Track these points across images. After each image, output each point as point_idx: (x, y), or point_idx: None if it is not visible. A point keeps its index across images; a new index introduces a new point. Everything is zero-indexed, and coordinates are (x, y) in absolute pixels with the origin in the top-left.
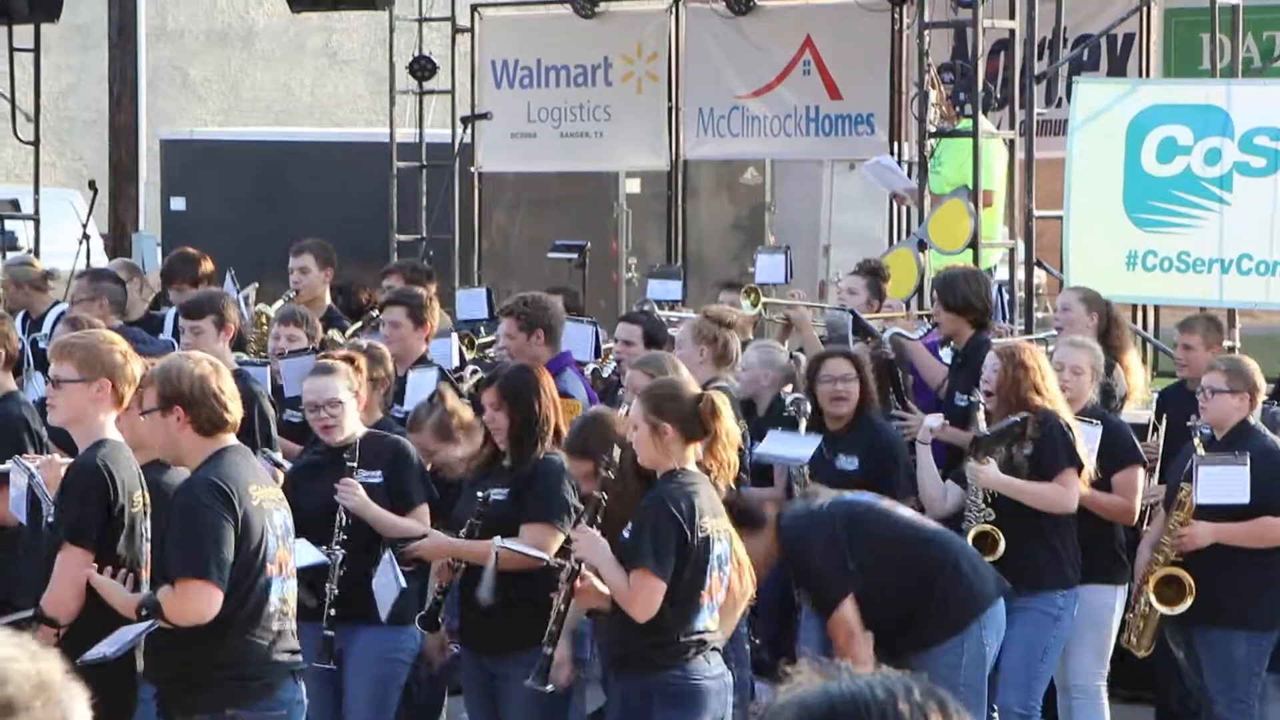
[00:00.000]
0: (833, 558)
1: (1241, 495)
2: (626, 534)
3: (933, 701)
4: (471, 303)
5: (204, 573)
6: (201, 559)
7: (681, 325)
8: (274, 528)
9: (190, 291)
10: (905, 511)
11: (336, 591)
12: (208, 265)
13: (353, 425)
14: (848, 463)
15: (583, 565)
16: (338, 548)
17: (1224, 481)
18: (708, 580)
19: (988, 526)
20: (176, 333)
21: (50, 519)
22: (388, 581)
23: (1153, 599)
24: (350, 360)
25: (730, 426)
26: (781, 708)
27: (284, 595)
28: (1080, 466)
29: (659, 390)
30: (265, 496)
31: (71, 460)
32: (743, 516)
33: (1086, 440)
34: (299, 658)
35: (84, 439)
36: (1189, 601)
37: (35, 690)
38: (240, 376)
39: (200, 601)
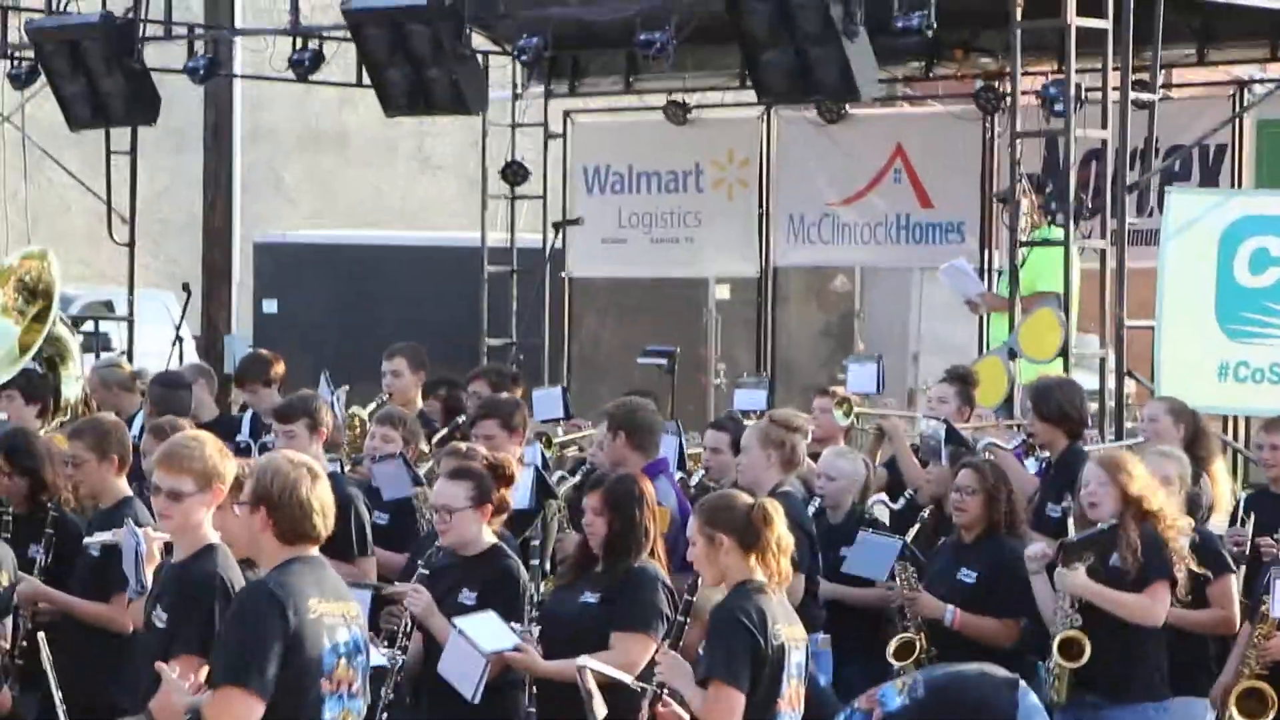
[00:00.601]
0: None
1: None
2: (704, 649)
3: None
4: (547, 402)
5: (244, 680)
6: (243, 666)
7: (746, 430)
8: (336, 644)
9: (264, 393)
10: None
11: (391, 696)
12: (279, 367)
13: (470, 533)
14: (967, 575)
15: (665, 690)
16: (398, 652)
17: None
18: (784, 689)
19: (1074, 632)
20: (253, 434)
21: (159, 623)
22: (457, 660)
23: (1234, 713)
24: (496, 469)
25: (783, 534)
26: None
27: (341, 714)
28: (1174, 581)
29: (713, 502)
30: (330, 611)
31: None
32: None
33: None
34: None
35: (191, 544)
36: (1271, 716)
37: None
38: (335, 481)
39: (237, 709)
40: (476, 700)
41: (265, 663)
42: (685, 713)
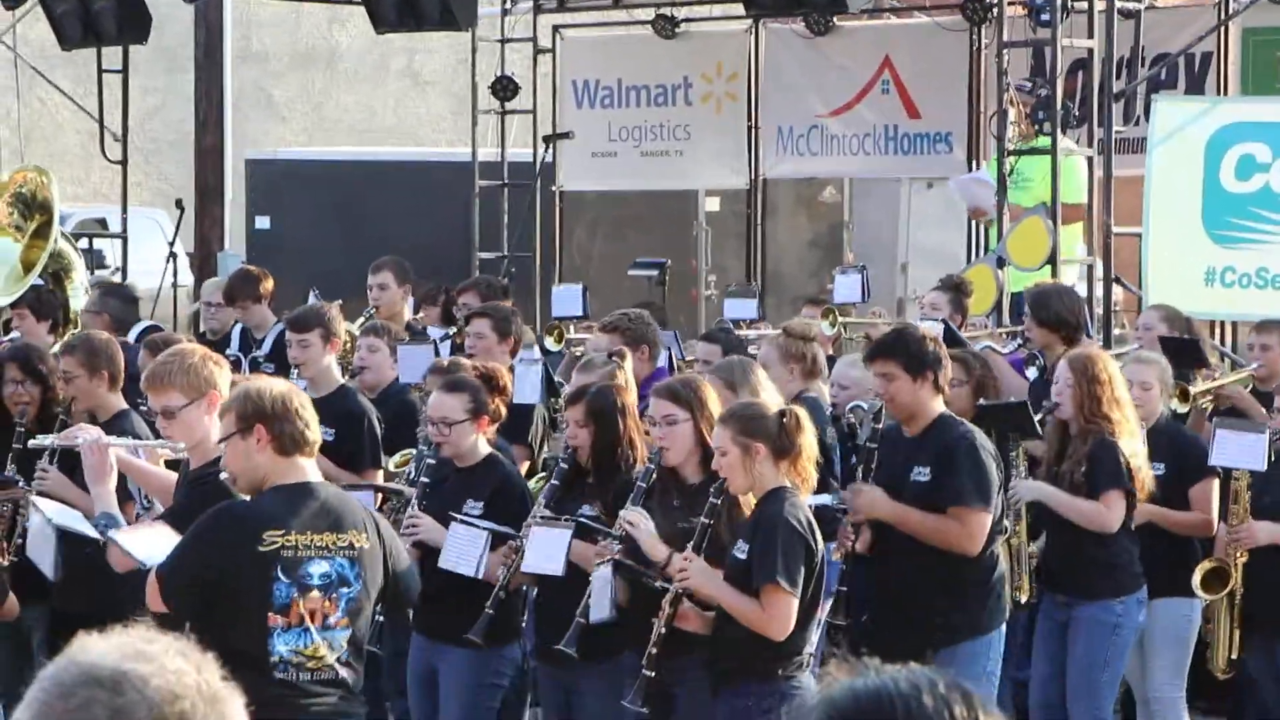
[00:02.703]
0: None
1: (1258, 463)
2: (739, 553)
3: (957, 694)
4: (566, 299)
5: (162, 571)
6: (167, 561)
7: (764, 345)
8: (298, 576)
9: (253, 308)
10: None
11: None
12: (269, 283)
13: (467, 444)
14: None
15: (685, 592)
16: None
17: (1240, 446)
18: (822, 596)
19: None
20: (243, 348)
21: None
22: (457, 547)
23: (1196, 586)
24: (489, 379)
25: (812, 440)
26: (810, 708)
27: (301, 647)
28: (1128, 490)
29: (743, 412)
30: (300, 543)
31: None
32: None
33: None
34: (321, 710)
35: (201, 456)
36: (1227, 589)
37: (207, 702)
38: (347, 394)
39: (154, 591)
40: (480, 574)
41: (177, 572)
42: (706, 615)
